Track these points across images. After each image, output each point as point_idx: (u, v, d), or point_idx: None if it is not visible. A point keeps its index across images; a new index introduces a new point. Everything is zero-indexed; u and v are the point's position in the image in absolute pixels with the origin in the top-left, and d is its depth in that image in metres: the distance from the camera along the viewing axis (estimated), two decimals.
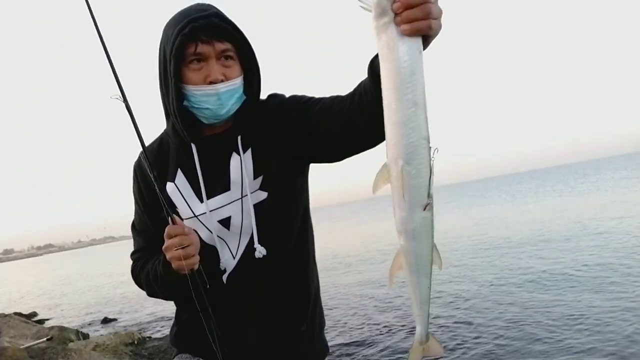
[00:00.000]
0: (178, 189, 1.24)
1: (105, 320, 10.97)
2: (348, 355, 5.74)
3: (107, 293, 16.68)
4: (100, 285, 19.88)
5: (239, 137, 1.20)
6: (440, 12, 0.77)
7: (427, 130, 0.78)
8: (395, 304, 7.76)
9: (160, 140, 1.33)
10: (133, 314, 11.59)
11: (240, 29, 1.16)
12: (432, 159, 0.80)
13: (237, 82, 1.16)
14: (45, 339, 7.15)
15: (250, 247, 1.21)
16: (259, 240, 1.20)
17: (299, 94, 1.24)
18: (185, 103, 1.15)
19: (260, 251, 1.20)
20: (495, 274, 8.72)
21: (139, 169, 1.32)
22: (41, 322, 11.75)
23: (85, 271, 33.31)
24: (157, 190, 1.15)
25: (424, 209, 0.82)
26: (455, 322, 6.11)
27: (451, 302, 7.16)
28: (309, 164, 1.28)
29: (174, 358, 1.34)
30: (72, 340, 7.73)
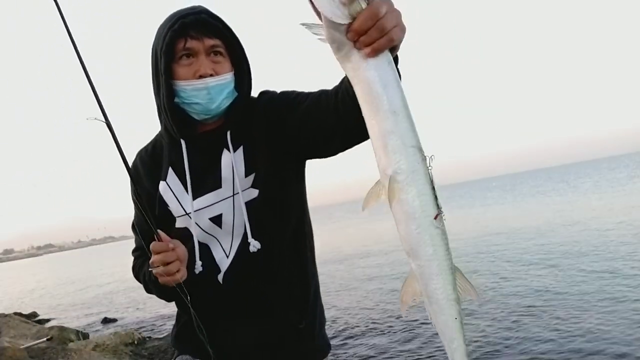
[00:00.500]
0: (170, 188, 1.25)
1: (105, 320, 10.96)
2: (350, 352, 5.74)
3: (107, 293, 16.67)
4: (101, 285, 19.88)
5: (228, 133, 1.20)
6: (397, 18, 0.75)
7: (415, 137, 0.75)
8: (396, 299, 7.75)
9: (155, 142, 1.34)
10: (133, 314, 11.58)
11: (230, 27, 1.18)
12: (430, 167, 0.75)
13: (227, 77, 1.17)
14: (45, 339, 7.15)
15: (243, 244, 1.20)
16: (252, 235, 1.19)
17: (290, 89, 1.25)
18: (176, 100, 1.16)
19: (254, 245, 1.19)
20: (496, 274, 8.72)
21: (135, 170, 1.34)
22: (41, 322, 11.75)
23: (85, 271, 33.30)
24: (140, 207, 1.16)
25: (435, 219, 0.75)
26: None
27: None
28: (303, 161, 1.28)
29: (174, 359, 1.34)
30: (72, 340, 7.73)
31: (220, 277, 1.23)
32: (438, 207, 0.76)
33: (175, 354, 1.36)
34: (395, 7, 0.75)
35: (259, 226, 1.20)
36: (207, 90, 1.13)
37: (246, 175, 1.19)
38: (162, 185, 1.26)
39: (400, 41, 0.77)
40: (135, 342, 7.39)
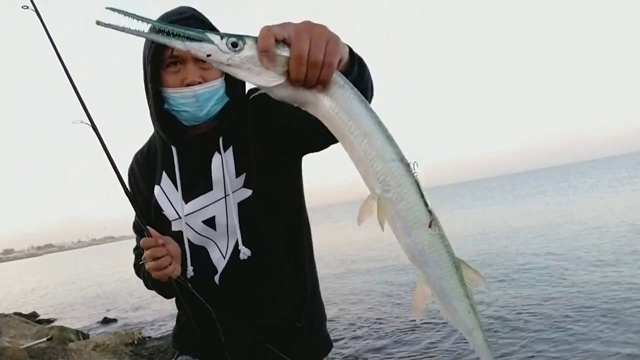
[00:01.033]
0: (164, 192, 1.25)
1: (105, 320, 10.96)
2: (352, 350, 5.74)
3: (108, 293, 16.66)
4: (101, 285, 19.87)
5: (221, 139, 1.19)
6: (323, 39, 0.69)
7: (393, 150, 0.75)
8: (400, 296, 7.77)
9: (149, 144, 1.34)
10: (133, 314, 11.58)
11: (219, 31, 1.15)
12: (415, 173, 0.76)
13: (216, 84, 1.15)
14: (45, 339, 7.15)
15: (237, 247, 1.20)
16: (243, 241, 1.19)
17: None
18: (165, 106, 1.16)
19: (244, 252, 1.19)
20: (497, 274, 8.71)
21: (132, 173, 1.35)
22: (41, 322, 11.74)
23: (86, 271, 33.31)
24: (131, 205, 1.18)
25: (429, 227, 0.77)
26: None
27: None
28: (296, 156, 1.26)
29: (174, 359, 1.34)
30: (72, 340, 7.73)
31: (216, 279, 1.23)
32: (430, 213, 0.77)
33: (175, 354, 1.36)
34: (313, 26, 0.70)
35: (253, 226, 1.20)
36: (195, 98, 1.12)
37: (237, 176, 1.19)
38: (157, 190, 1.27)
39: (340, 55, 0.73)
40: (135, 342, 7.39)
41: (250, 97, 0.79)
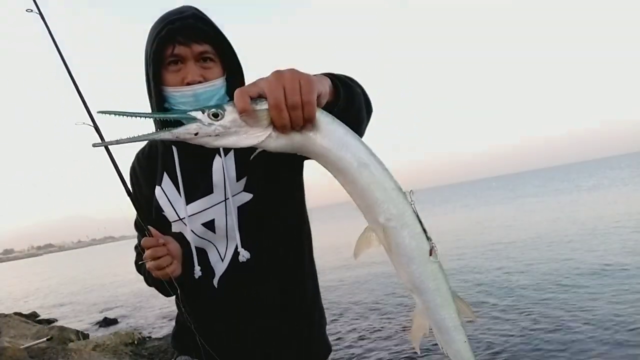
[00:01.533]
0: (164, 193, 1.24)
1: (106, 321, 10.96)
2: (351, 354, 5.73)
3: (108, 293, 16.67)
4: (102, 285, 19.89)
5: None
6: (296, 82, 0.70)
7: (392, 179, 0.76)
8: (400, 299, 7.77)
9: (150, 144, 1.33)
10: (133, 314, 11.59)
11: (221, 30, 1.15)
12: (412, 202, 0.77)
13: (217, 84, 1.15)
14: (45, 339, 7.15)
15: (236, 251, 1.20)
16: (242, 244, 1.18)
17: None
18: (166, 105, 1.15)
19: (243, 255, 1.18)
20: (503, 273, 8.71)
21: (134, 173, 1.34)
22: (41, 322, 11.74)
23: (86, 271, 33.31)
24: (132, 204, 1.17)
25: (430, 255, 0.79)
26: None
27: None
28: (299, 160, 1.25)
29: (176, 358, 1.33)
30: (72, 340, 7.73)
31: (215, 281, 1.23)
32: (429, 240, 0.79)
33: (175, 355, 1.35)
34: (282, 73, 0.71)
35: (253, 230, 1.20)
36: (195, 97, 1.11)
37: (238, 179, 1.19)
38: (157, 191, 1.26)
39: (317, 90, 0.73)
40: (135, 342, 7.40)
41: (251, 158, 0.80)
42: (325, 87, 0.80)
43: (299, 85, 0.70)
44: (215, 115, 0.71)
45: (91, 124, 1.14)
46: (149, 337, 8.16)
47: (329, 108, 0.78)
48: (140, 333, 8.09)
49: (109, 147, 1.16)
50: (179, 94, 1.12)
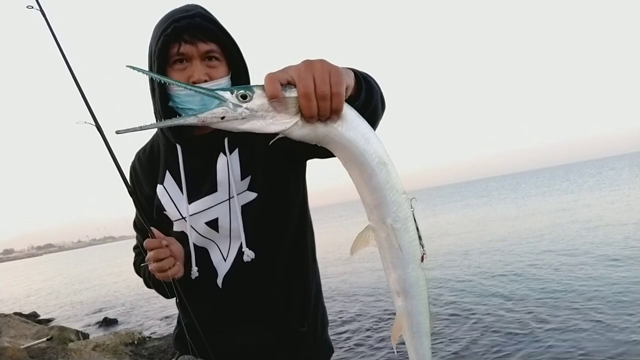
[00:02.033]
0: (167, 191, 1.23)
1: (106, 320, 10.96)
2: (353, 355, 5.72)
3: (108, 293, 16.67)
4: (101, 286, 19.89)
5: (226, 139, 1.18)
6: (325, 72, 0.70)
7: (402, 183, 0.77)
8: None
9: (152, 142, 1.33)
10: (133, 313, 11.59)
11: (226, 29, 1.14)
12: (412, 209, 0.79)
13: (222, 83, 1.14)
14: (45, 339, 7.15)
15: (240, 250, 1.19)
16: (247, 243, 1.18)
17: None
18: (170, 104, 1.14)
19: (248, 255, 1.18)
20: (501, 272, 8.71)
21: (134, 172, 1.33)
22: (41, 322, 11.74)
23: (86, 271, 33.31)
24: (135, 205, 1.17)
25: (422, 261, 0.81)
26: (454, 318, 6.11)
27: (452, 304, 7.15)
28: (303, 161, 1.25)
29: (177, 358, 1.33)
30: (72, 340, 7.73)
31: (219, 281, 1.22)
32: (422, 247, 0.82)
33: (176, 355, 1.35)
34: (312, 62, 0.71)
35: (257, 229, 1.19)
36: (201, 96, 1.10)
37: (242, 178, 1.18)
38: (159, 189, 1.25)
39: (346, 82, 0.74)
40: (135, 342, 7.39)
41: (270, 144, 0.80)
42: (351, 80, 0.80)
43: (329, 76, 0.70)
44: (244, 97, 0.70)
45: (93, 123, 1.13)
46: (149, 337, 8.15)
47: (351, 102, 0.78)
48: (140, 333, 8.08)
49: (110, 146, 1.16)
50: (184, 93, 1.11)
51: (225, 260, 1.21)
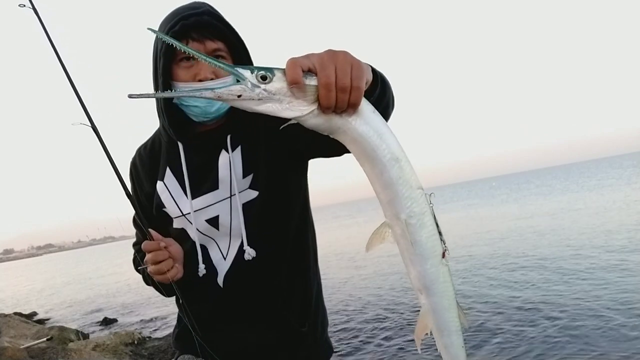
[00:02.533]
0: (167, 188, 1.23)
1: (106, 320, 10.96)
2: (353, 355, 5.72)
3: (108, 293, 16.66)
4: (101, 285, 19.88)
5: (229, 137, 1.18)
6: (347, 64, 0.70)
7: (417, 179, 0.77)
8: (400, 299, 7.76)
9: (154, 139, 1.32)
10: (133, 313, 11.58)
11: (234, 28, 1.14)
12: (431, 205, 0.78)
13: (228, 81, 1.13)
14: (45, 339, 7.15)
15: (241, 249, 1.18)
16: (248, 242, 1.17)
17: None
18: (175, 100, 1.14)
19: (249, 253, 1.17)
20: (503, 271, 8.71)
21: (134, 168, 1.33)
22: (41, 322, 11.74)
23: (86, 271, 33.32)
24: (132, 206, 1.17)
25: (443, 257, 0.80)
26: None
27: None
28: (305, 160, 1.25)
29: (177, 358, 1.33)
30: (72, 340, 7.72)
31: (220, 280, 1.21)
32: (443, 243, 0.80)
33: (176, 354, 1.35)
34: (336, 53, 0.71)
35: (258, 228, 1.18)
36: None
37: (244, 176, 1.17)
38: (159, 185, 1.24)
39: (365, 77, 0.74)
40: (135, 342, 7.39)
41: (281, 128, 0.80)
42: (370, 75, 0.80)
43: (351, 69, 0.70)
44: (264, 78, 0.70)
45: (88, 124, 1.12)
46: (149, 337, 8.15)
47: (365, 96, 0.78)
48: (140, 333, 8.08)
49: (107, 147, 1.15)
50: (189, 89, 1.10)
51: (225, 258, 1.21)
